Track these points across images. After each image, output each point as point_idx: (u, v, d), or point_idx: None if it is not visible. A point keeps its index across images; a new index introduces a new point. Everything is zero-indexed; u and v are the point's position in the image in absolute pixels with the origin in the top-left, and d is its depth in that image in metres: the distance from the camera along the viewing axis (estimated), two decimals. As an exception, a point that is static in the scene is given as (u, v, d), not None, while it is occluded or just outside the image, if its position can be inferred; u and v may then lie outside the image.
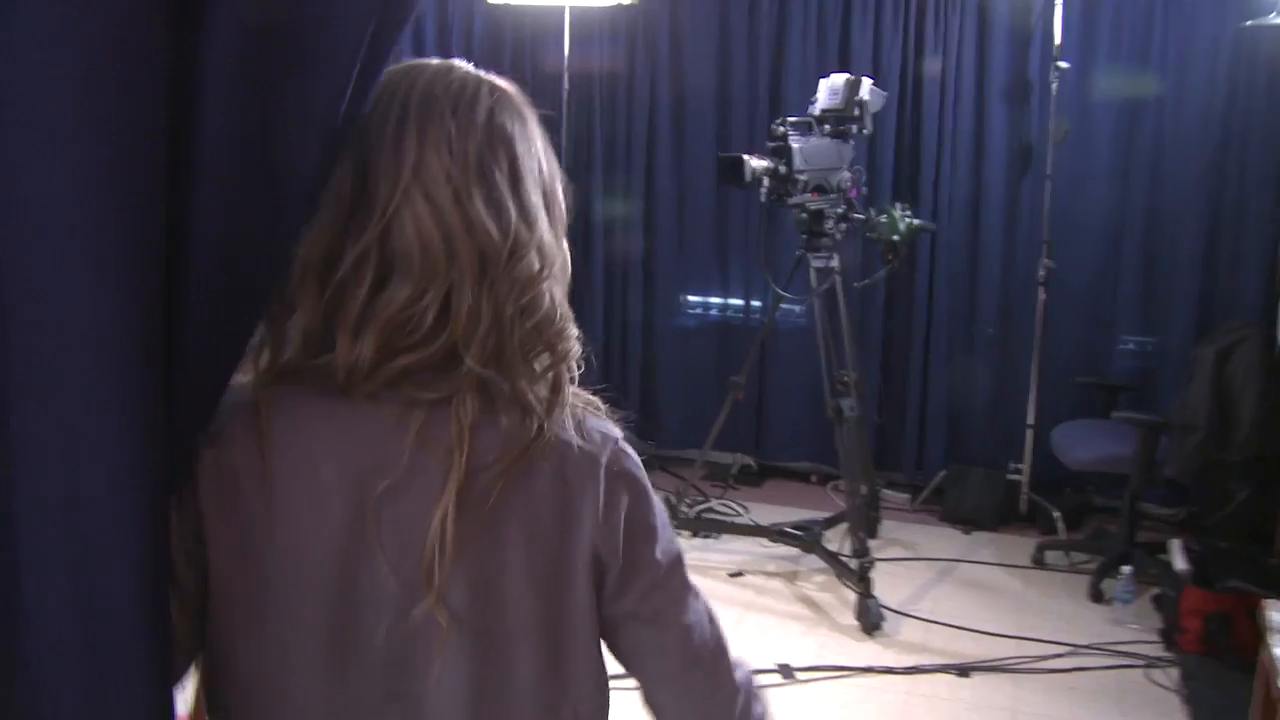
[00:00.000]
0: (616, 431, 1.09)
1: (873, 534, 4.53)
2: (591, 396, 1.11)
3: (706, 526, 4.60)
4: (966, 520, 4.76)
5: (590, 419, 1.07)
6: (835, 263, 4.07)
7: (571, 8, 5.05)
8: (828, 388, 4.03)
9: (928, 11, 4.84)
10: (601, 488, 1.03)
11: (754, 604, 4.02)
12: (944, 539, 4.66)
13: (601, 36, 5.36)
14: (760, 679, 3.49)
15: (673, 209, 5.42)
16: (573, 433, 1.03)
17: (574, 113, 5.39)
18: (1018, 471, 4.73)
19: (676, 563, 1.11)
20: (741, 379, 4.31)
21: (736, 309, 5.45)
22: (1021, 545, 4.53)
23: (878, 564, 3.99)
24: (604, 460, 1.04)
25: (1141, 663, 3.60)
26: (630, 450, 1.08)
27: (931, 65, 4.85)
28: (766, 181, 3.90)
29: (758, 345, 4.40)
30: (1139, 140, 4.67)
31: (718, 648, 1.14)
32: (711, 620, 1.14)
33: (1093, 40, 4.65)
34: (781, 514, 4.83)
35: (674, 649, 1.12)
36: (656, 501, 1.11)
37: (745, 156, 3.85)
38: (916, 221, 4.14)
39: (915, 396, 5.06)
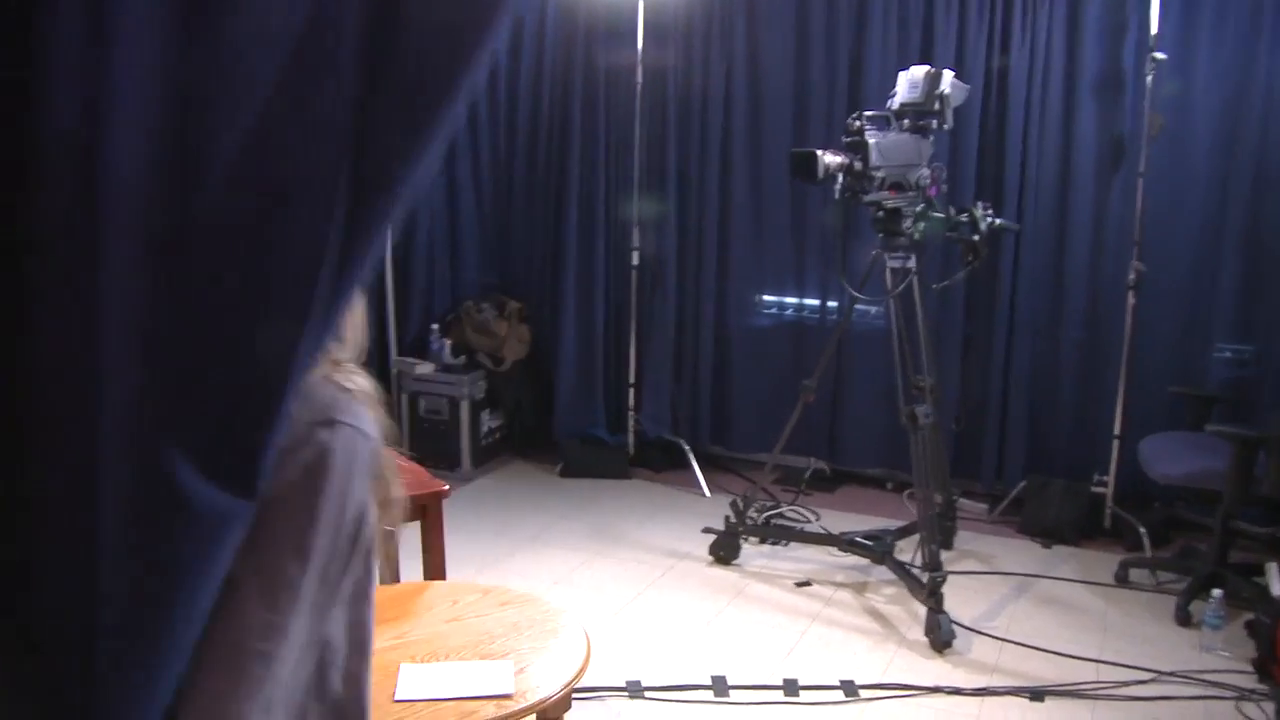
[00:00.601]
0: None
1: (947, 545, 4.36)
2: None
3: (774, 533, 4.46)
4: (1046, 533, 4.56)
5: None
6: (912, 263, 3.91)
7: (645, -1, 4.96)
8: (902, 393, 3.88)
9: (1015, 0, 4.64)
10: None
11: (820, 615, 3.88)
12: (1022, 552, 4.46)
13: (676, 28, 5.25)
14: (822, 695, 3.43)
15: (748, 206, 5.28)
16: None
17: (647, 107, 5.29)
18: (1102, 484, 4.52)
19: None
20: (813, 382, 4.17)
21: (812, 309, 5.30)
22: (1104, 562, 4.32)
23: (951, 577, 3.82)
24: None
25: (1232, 694, 3.38)
26: None
27: (1018, 56, 4.64)
28: (841, 178, 3.76)
29: (831, 347, 4.24)
30: (1242, 135, 4.41)
31: None
32: None
33: (1193, 30, 4.40)
34: (854, 522, 4.68)
35: None
36: None
37: (818, 152, 3.71)
38: (998, 221, 3.97)
39: (996, 403, 4.86)
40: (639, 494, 5.25)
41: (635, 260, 5.46)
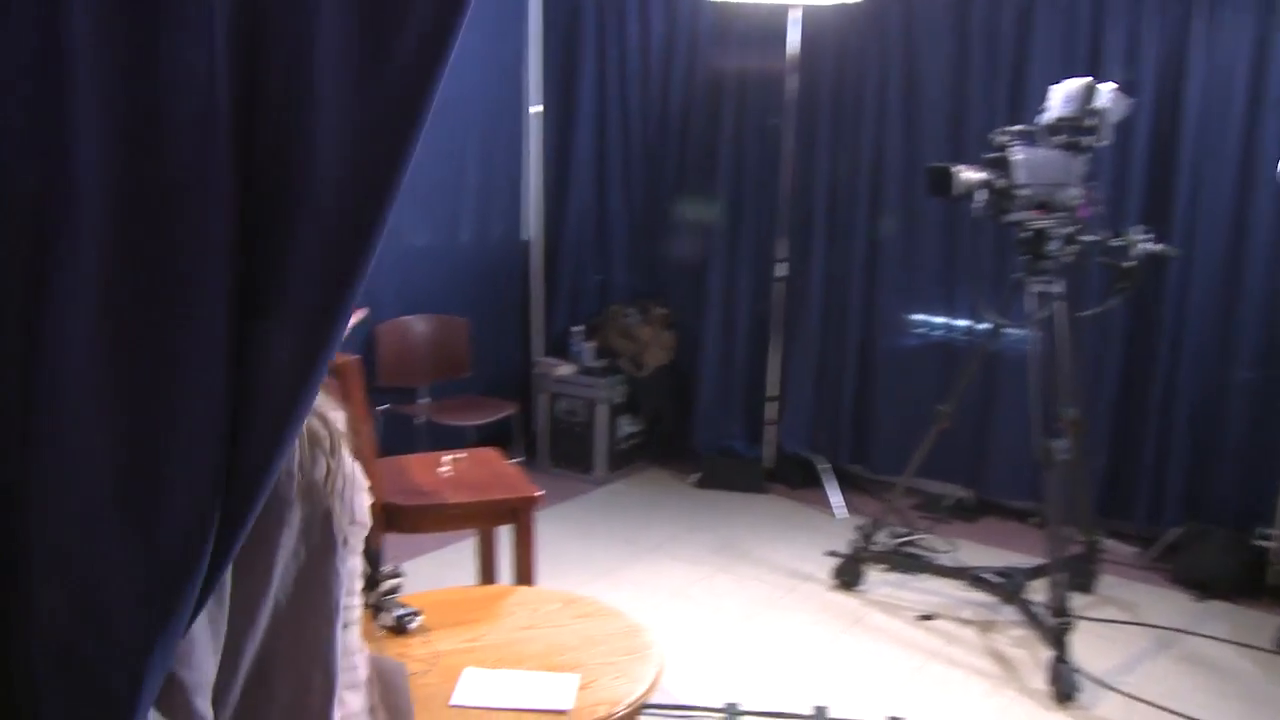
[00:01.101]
0: None
1: (1087, 589, 4.10)
2: None
3: (899, 563, 4.27)
4: (1200, 585, 4.22)
5: None
6: (1058, 288, 3.68)
7: (799, 6, 4.84)
8: (1037, 425, 3.66)
9: (1194, 5, 4.30)
10: None
11: (939, 653, 3.70)
12: (1170, 604, 4.15)
13: (829, 37, 5.12)
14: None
15: (899, 220, 5.10)
16: None
17: (799, 117, 5.17)
18: (1267, 537, 4.16)
19: None
20: (948, 408, 3.98)
21: (961, 330, 5.07)
22: (1263, 623, 3.97)
23: (1086, 624, 3.60)
24: None
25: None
26: None
27: (1195, 70, 4.31)
28: (980, 196, 3.57)
29: (968, 373, 4.04)
30: None
31: None
32: None
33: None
34: (990, 556, 4.46)
35: None
36: None
37: (955, 168, 3.54)
38: (1156, 247, 3.69)
39: (1153, 440, 4.54)
40: (771, 510, 5.13)
41: (781, 272, 5.34)
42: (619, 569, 4.38)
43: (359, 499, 1.30)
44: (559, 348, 5.86)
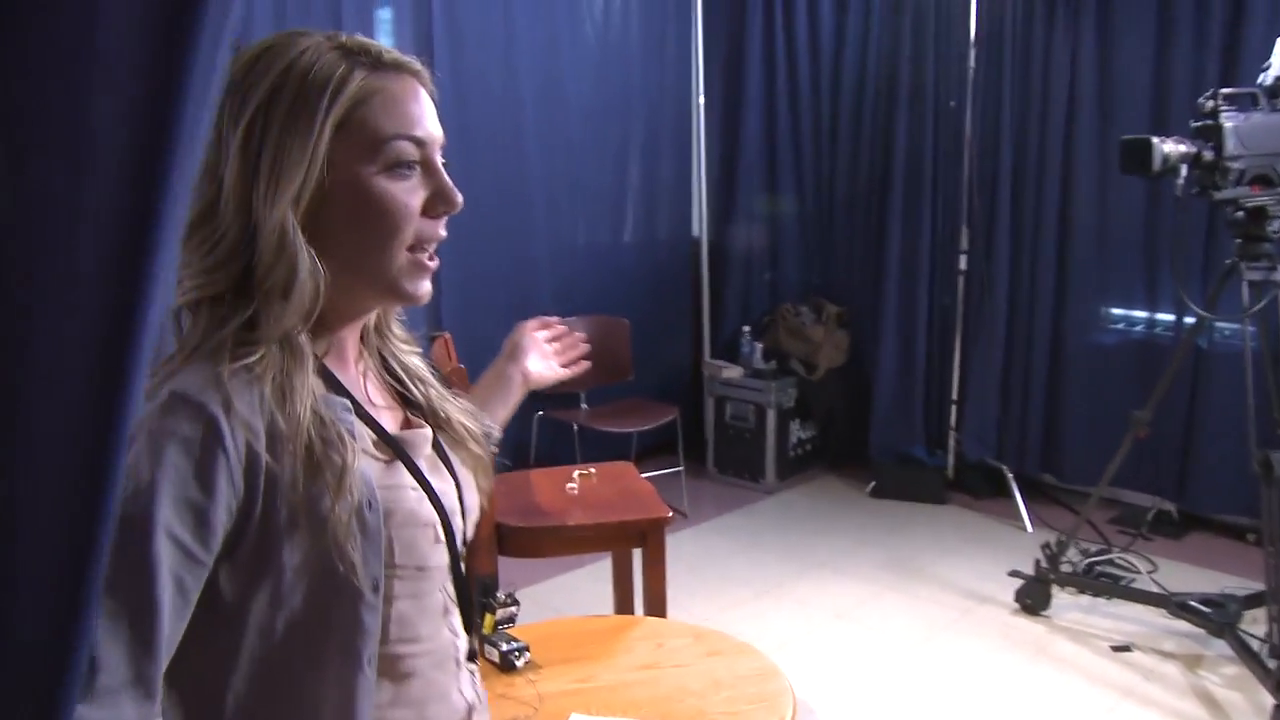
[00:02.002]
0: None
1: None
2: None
3: (1092, 586, 3.83)
4: None
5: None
6: (1278, 276, 3.20)
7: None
8: (1254, 432, 3.19)
9: None
10: None
11: (1135, 690, 3.27)
12: None
13: (1013, 8, 4.68)
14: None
15: (1093, 207, 4.63)
16: None
17: (980, 98, 4.77)
18: None
19: None
20: (1146, 414, 3.55)
21: (1165, 325, 4.56)
22: None
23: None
24: None
25: None
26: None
27: None
28: (1185, 170, 3.14)
29: (1170, 374, 3.57)
30: None
31: None
32: None
33: None
34: (1198, 579, 3.98)
35: None
36: None
37: (1155, 139, 3.12)
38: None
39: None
40: (952, 522, 4.74)
41: (963, 265, 4.95)
42: (783, 585, 4.10)
43: (417, 535, 1.11)
44: (728, 350, 5.61)
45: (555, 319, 1.74)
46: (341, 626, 1.05)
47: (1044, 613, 3.76)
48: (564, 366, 1.70)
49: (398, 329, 1.28)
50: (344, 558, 1.02)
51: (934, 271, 5.11)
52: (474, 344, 4.70)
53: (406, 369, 1.26)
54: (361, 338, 1.21)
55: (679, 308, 5.69)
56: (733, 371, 5.37)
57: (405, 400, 1.24)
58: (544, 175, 4.95)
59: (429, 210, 1.09)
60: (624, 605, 2.97)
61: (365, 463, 1.07)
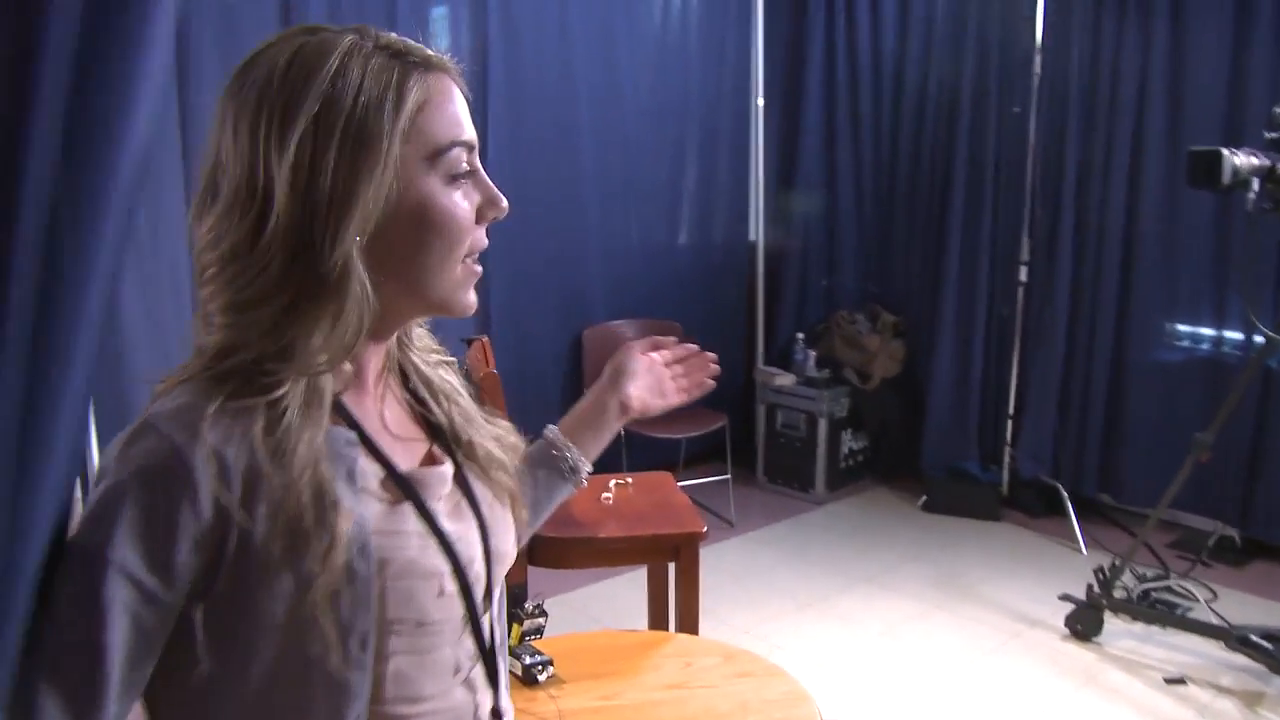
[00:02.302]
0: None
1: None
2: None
3: (1146, 614, 3.70)
4: None
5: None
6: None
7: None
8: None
9: None
10: None
11: (1190, 726, 3.15)
12: None
13: (1081, 12, 4.55)
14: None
15: (1160, 218, 4.49)
16: None
17: (1045, 100, 4.64)
18: None
19: None
20: (1209, 436, 3.41)
21: (1234, 344, 4.40)
22: None
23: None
24: None
25: None
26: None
27: None
28: (1257, 184, 3.01)
29: (1236, 395, 3.43)
30: None
31: None
32: None
33: None
34: (1261, 610, 3.84)
35: None
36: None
37: (1226, 151, 3.00)
38: None
39: None
40: (1004, 541, 4.62)
41: (1023, 275, 4.82)
42: (828, 599, 4.02)
43: (416, 587, 1.00)
44: (782, 357, 5.52)
45: (672, 339, 1.55)
46: (324, 684, 0.94)
47: (1095, 640, 3.63)
48: (687, 391, 1.52)
49: (422, 337, 1.18)
50: (324, 615, 0.92)
51: (993, 281, 4.99)
52: (523, 343, 4.68)
53: (429, 384, 1.15)
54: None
55: (732, 312, 5.61)
56: (785, 379, 5.28)
57: (429, 424, 1.14)
58: (598, 174, 4.89)
59: (480, 218, 1.03)
60: (658, 619, 2.90)
61: (365, 504, 0.98)
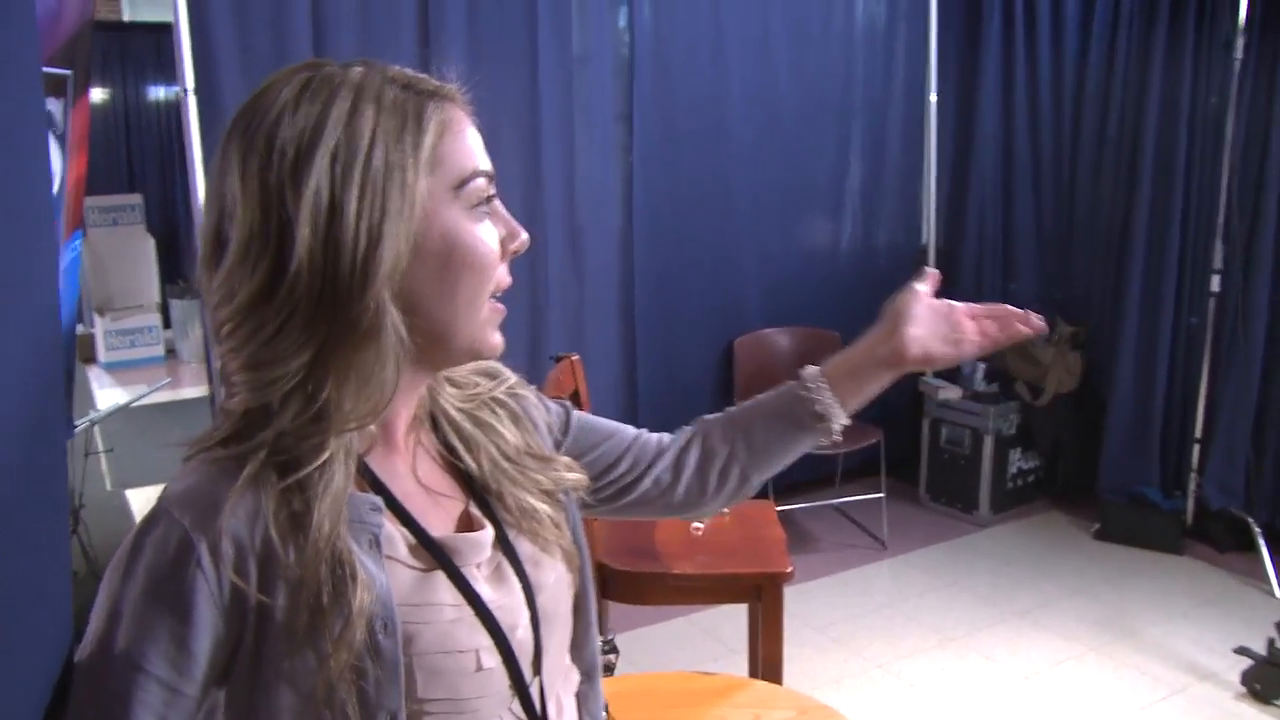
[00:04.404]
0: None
1: None
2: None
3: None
4: None
5: None
6: None
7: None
8: None
9: None
10: None
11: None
12: None
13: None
14: None
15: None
16: None
17: (1247, 92, 4.20)
18: None
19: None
20: None
21: None
22: None
23: None
24: None
25: None
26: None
27: None
28: None
29: None
30: None
31: None
32: None
33: None
34: None
35: None
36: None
37: None
38: None
39: None
40: (1185, 578, 4.20)
41: (1216, 285, 4.38)
42: (974, 634, 3.74)
43: (448, 663, 0.93)
44: (951, 369, 5.21)
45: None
46: None
47: (1276, 703, 3.24)
48: (993, 340, 1.27)
49: (464, 374, 1.09)
50: (347, 694, 0.87)
51: (1181, 291, 4.55)
52: (669, 352, 4.56)
53: (459, 431, 1.06)
54: None
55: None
56: (950, 392, 4.97)
57: (464, 475, 1.05)
58: (753, 176, 4.70)
59: (502, 252, 0.95)
60: (755, 661, 2.72)
61: (393, 573, 0.91)
